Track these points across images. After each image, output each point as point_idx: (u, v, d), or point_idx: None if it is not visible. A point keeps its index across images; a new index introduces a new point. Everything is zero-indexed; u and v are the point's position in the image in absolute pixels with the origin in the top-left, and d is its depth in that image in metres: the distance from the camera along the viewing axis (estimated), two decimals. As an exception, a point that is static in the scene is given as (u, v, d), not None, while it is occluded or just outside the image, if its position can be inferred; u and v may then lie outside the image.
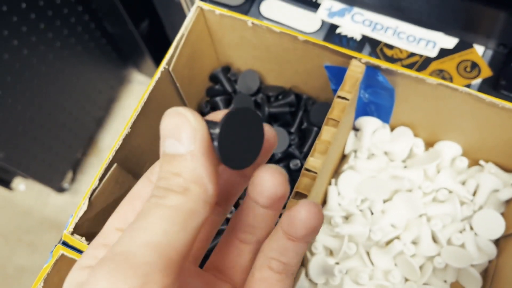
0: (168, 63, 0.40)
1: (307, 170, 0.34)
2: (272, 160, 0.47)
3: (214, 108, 0.50)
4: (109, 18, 0.92)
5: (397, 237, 0.43)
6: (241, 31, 0.43)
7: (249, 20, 0.41)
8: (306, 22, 0.54)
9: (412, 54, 0.51)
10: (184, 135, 0.17)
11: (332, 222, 0.44)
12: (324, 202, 0.47)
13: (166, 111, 0.17)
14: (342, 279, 0.43)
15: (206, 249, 0.22)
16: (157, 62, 0.99)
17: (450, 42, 0.51)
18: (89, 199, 0.34)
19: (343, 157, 0.48)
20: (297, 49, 0.42)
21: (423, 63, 0.50)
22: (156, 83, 0.38)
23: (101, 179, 0.35)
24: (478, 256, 0.42)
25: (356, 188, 0.44)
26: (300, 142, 0.48)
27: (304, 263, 0.45)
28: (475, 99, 0.37)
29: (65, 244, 0.33)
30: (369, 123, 0.46)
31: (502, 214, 0.43)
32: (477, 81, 0.49)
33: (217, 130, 0.17)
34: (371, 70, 0.38)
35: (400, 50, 0.51)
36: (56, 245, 0.33)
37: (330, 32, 0.53)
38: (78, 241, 0.33)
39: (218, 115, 0.20)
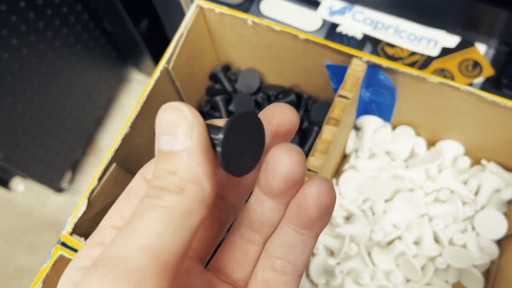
0: (168, 62, 0.40)
1: (308, 169, 0.34)
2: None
3: (214, 107, 0.50)
4: (108, 17, 0.92)
5: (399, 237, 0.43)
6: (241, 30, 0.43)
7: (249, 18, 0.40)
8: (306, 20, 0.54)
9: (413, 53, 0.50)
10: (180, 130, 0.16)
11: (333, 222, 0.44)
12: (325, 202, 0.46)
13: (162, 106, 0.16)
14: (343, 279, 0.42)
15: (213, 247, 0.21)
16: (157, 61, 0.98)
17: (451, 40, 0.50)
18: (88, 199, 0.34)
19: (344, 157, 0.48)
20: (297, 48, 0.41)
21: (425, 62, 0.50)
22: (155, 82, 0.38)
23: (100, 179, 0.35)
24: (480, 257, 0.41)
25: (357, 188, 0.44)
26: (300, 141, 0.47)
27: (304, 263, 0.45)
28: (477, 98, 0.36)
29: (63, 244, 0.33)
30: (370, 122, 0.45)
31: (504, 214, 0.43)
32: (479, 80, 0.49)
33: (220, 136, 0.16)
34: (372, 69, 0.38)
35: (401, 49, 0.51)
36: (54, 246, 0.33)
37: (331, 30, 0.53)
38: (77, 241, 0.33)
39: (215, 122, 0.19)
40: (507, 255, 0.41)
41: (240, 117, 0.17)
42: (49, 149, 0.93)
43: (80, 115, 1.00)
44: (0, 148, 0.80)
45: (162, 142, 0.16)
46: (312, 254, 0.44)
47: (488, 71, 0.49)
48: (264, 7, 0.55)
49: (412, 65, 0.50)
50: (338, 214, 0.44)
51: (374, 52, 0.51)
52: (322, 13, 0.54)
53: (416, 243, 0.43)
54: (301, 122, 0.49)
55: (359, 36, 0.52)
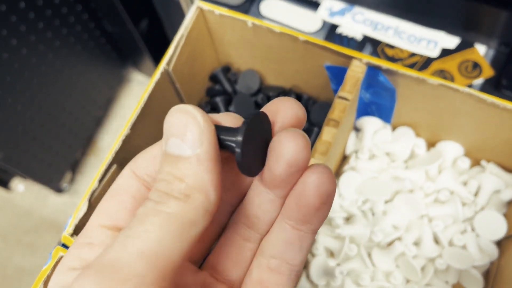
0: (168, 63, 0.40)
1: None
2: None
3: (214, 108, 0.50)
4: (108, 18, 0.92)
5: (399, 238, 0.43)
6: (241, 31, 0.43)
7: (249, 20, 0.41)
8: (306, 21, 0.54)
9: (413, 54, 0.50)
10: (191, 135, 0.15)
11: (333, 223, 0.44)
12: (324, 203, 0.46)
13: (173, 108, 0.16)
14: (343, 280, 0.42)
15: (208, 249, 0.20)
16: (157, 61, 0.98)
17: (451, 41, 0.51)
18: (89, 201, 0.34)
19: (344, 158, 0.48)
20: (297, 49, 0.41)
21: (425, 63, 0.50)
22: (155, 84, 0.38)
23: (100, 181, 0.35)
24: (480, 257, 0.41)
25: (357, 189, 0.44)
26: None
27: (305, 264, 0.45)
28: (476, 99, 0.36)
29: (64, 246, 0.33)
30: (370, 123, 0.45)
31: (504, 215, 0.43)
32: (479, 80, 0.49)
33: (239, 138, 0.16)
34: (372, 70, 0.38)
35: (401, 50, 0.51)
36: (55, 247, 0.33)
37: (331, 31, 0.53)
38: (78, 243, 0.33)
39: (216, 117, 0.18)
40: (506, 256, 0.41)
41: (254, 118, 0.17)
42: (49, 149, 0.93)
43: (80, 115, 1.00)
44: (0, 148, 0.80)
45: (170, 144, 0.16)
46: (312, 255, 0.44)
47: (488, 72, 0.49)
48: (264, 8, 0.55)
49: (412, 66, 0.50)
50: (338, 215, 0.44)
51: (374, 53, 0.51)
52: (322, 14, 0.54)
53: (416, 244, 0.43)
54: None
55: (359, 37, 0.52)
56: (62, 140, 0.96)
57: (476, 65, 0.49)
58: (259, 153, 0.17)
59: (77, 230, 0.34)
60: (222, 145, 0.17)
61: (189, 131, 0.15)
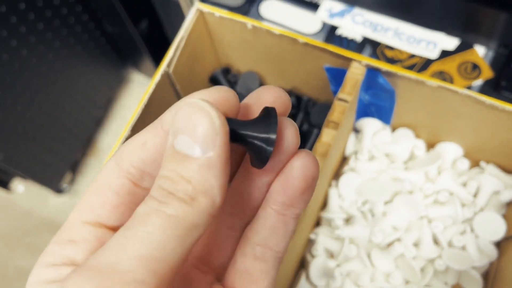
0: (168, 65, 0.40)
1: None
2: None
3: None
4: (108, 18, 0.92)
5: (398, 239, 0.43)
6: (241, 33, 0.43)
7: (249, 22, 0.41)
8: (306, 23, 0.54)
9: (412, 55, 0.51)
10: (203, 136, 0.14)
11: (333, 224, 0.44)
12: (324, 204, 0.47)
13: (185, 102, 0.15)
14: (343, 281, 0.42)
15: None
16: (157, 62, 0.98)
17: (450, 43, 0.51)
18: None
19: (344, 159, 0.48)
20: (297, 50, 0.41)
21: (424, 64, 0.50)
22: (156, 86, 0.38)
23: (101, 182, 0.35)
24: (479, 258, 0.42)
25: (357, 190, 0.44)
26: (300, 143, 0.48)
27: (305, 265, 0.45)
28: (475, 101, 0.37)
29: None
30: (370, 124, 0.46)
31: (503, 216, 0.43)
32: (478, 82, 0.49)
33: (272, 136, 0.15)
34: (372, 72, 0.38)
35: (401, 51, 0.51)
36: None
37: (331, 33, 0.53)
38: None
39: (206, 95, 0.17)
40: (506, 256, 0.41)
41: (275, 113, 0.16)
42: (49, 150, 0.93)
43: (80, 115, 1.00)
44: (0, 149, 0.80)
45: (179, 142, 0.15)
46: (312, 255, 0.44)
47: (487, 73, 0.49)
48: (263, 10, 0.55)
49: (411, 67, 0.50)
50: (337, 216, 0.44)
51: (374, 54, 0.51)
52: (321, 16, 0.54)
53: (416, 244, 0.43)
54: (301, 125, 0.49)
55: (358, 38, 0.52)
56: (62, 141, 0.96)
57: (475, 67, 0.49)
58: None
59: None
60: (236, 140, 0.16)
61: (201, 130, 0.14)
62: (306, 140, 0.48)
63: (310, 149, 0.47)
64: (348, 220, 0.45)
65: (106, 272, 0.13)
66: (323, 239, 0.44)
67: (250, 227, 0.18)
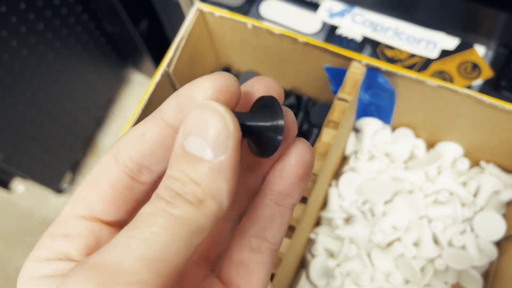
0: (168, 65, 0.40)
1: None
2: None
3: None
4: (108, 18, 0.92)
5: (398, 239, 0.43)
6: (241, 33, 0.43)
7: (249, 22, 0.41)
8: (306, 22, 0.54)
9: (412, 55, 0.51)
10: (216, 138, 0.14)
11: (333, 224, 0.44)
12: (324, 204, 0.47)
13: (202, 102, 0.15)
14: (343, 280, 0.42)
15: None
16: (157, 62, 0.98)
17: (450, 42, 0.51)
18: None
19: (344, 159, 0.48)
20: (297, 50, 0.41)
21: (424, 64, 0.50)
22: (156, 86, 0.38)
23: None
24: (479, 258, 0.42)
25: (357, 190, 0.44)
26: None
27: (305, 265, 0.45)
28: (475, 101, 0.37)
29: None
30: (370, 124, 0.46)
31: (503, 215, 0.43)
32: (478, 82, 0.49)
33: (280, 122, 0.15)
34: (372, 71, 0.38)
35: (401, 51, 0.51)
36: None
37: (331, 33, 0.53)
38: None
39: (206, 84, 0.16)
40: (506, 256, 0.41)
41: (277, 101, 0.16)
42: (49, 150, 0.93)
43: (80, 116, 1.00)
44: (0, 149, 0.80)
45: (190, 142, 0.14)
46: (312, 255, 0.44)
47: (487, 73, 0.49)
48: (263, 9, 0.55)
49: (411, 67, 0.50)
50: (338, 215, 0.44)
51: (374, 54, 0.51)
52: (321, 15, 0.54)
53: (416, 244, 0.43)
54: (301, 124, 0.49)
55: (358, 38, 0.52)
56: (62, 141, 0.96)
57: (475, 66, 0.49)
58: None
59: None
60: (244, 133, 0.16)
61: (214, 132, 0.14)
62: (306, 139, 0.48)
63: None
64: (348, 220, 0.45)
65: (108, 271, 0.13)
66: (323, 238, 0.44)
67: (246, 218, 0.18)
